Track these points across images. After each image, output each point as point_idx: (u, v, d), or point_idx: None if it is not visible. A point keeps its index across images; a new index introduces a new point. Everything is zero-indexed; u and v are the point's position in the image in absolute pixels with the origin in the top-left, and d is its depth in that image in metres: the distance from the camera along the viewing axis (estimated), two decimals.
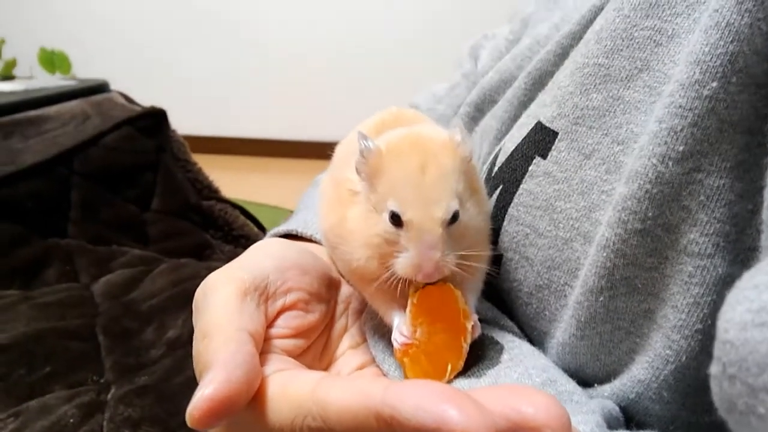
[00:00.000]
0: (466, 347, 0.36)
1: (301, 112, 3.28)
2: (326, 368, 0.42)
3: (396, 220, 0.35)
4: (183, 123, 1.57)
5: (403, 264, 0.35)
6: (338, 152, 0.47)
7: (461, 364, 0.36)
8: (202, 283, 0.36)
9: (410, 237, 0.35)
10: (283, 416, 0.29)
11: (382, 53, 3.20)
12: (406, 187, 0.35)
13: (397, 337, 0.37)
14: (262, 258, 0.39)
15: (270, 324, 0.37)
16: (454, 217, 0.36)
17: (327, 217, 0.42)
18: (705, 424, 0.35)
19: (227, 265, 0.38)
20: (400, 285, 0.36)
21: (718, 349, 0.23)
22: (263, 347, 0.35)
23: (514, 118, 0.53)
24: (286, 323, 0.37)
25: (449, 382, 0.36)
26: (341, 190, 0.40)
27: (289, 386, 0.30)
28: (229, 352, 0.30)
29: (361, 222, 0.37)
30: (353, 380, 0.29)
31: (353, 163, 0.38)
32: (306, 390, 0.29)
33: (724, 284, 0.32)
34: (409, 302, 0.37)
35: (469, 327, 0.36)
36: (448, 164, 0.36)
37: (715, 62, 0.31)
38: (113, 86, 1.58)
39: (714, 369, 0.24)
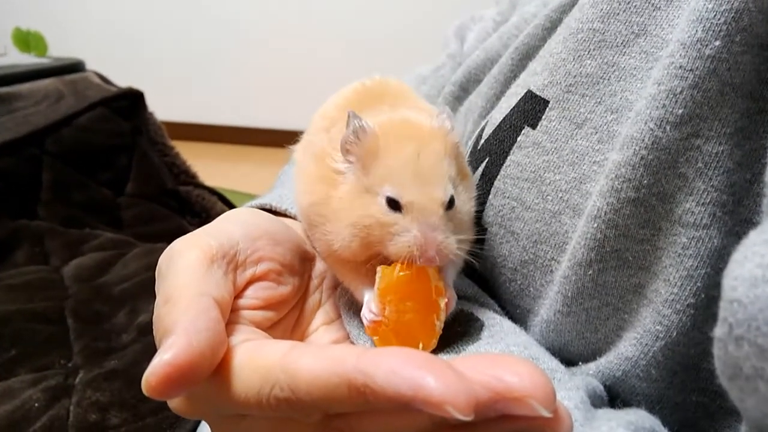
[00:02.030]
0: (439, 325, 0.34)
1: (285, 100, 3.24)
2: None
3: (392, 204, 0.34)
4: (162, 108, 1.54)
5: (403, 243, 0.33)
6: (315, 121, 0.45)
7: (434, 342, 0.34)
8: (167, 249, 0.34)
9: (412, 218, 0.33)
10: (249, 387, 0.27)
11: (367, 41, 3.17)
12: (402, 172, 0.34)
13: (366, 314, 0.35)
14: (231, 225, 0.37)
15: (239, 294, 0.35)
16: (451, 202, 0.35)
17: (308, 194, 0.39)
18: (692, 403, 0.33)
19: (194, 231, 0.35)
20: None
21: (724, 309, 0.22)
22: (231, 317, 0.33)
23: (500, 94, 0.51)
24: (255, 294, 0.35)
25: None
26: (323, 166, 0.38)
27: (257, 355, 0.28)
28: (192, 316, 0.28)
29: (350, 202, 0.35)
30: (327, 348, 0.27)
31: (336, 139, 0.36)
32: (275, 358, 0.27)
33: (719, 257, 0.31)
34: (377, 278, 0.35)
35: (443, 304, 0.34)
36: (441, 150, 0.36)
37: (719, 19, 0.30)
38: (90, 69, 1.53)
39: (719, 331, 0.22)
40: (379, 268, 0.35)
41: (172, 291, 0.30)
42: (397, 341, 0.34)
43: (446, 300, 0.35)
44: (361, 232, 0.35)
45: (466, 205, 0.37)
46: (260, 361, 0.28)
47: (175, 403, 0.32)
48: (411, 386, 0.21)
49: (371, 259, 0.35)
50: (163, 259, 0.34)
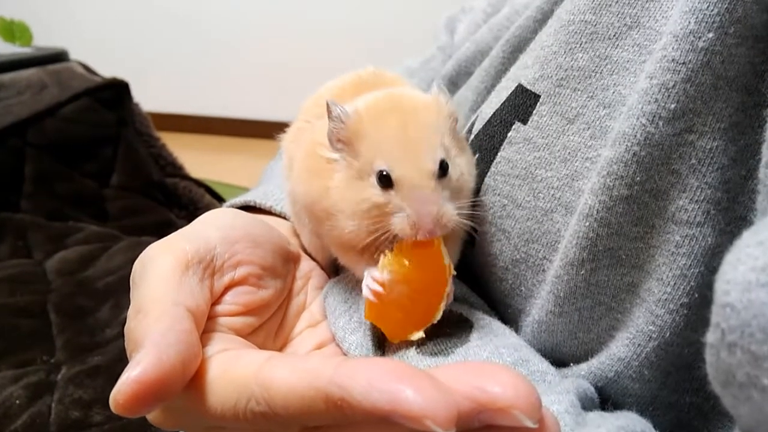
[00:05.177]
0: (443, 305, 0.34)
1: (274, 92, 3.21)
2: (282, 348, 0.39)
3: (384, 181, 0.33)
4: (147, 99, 1.52)
5: (400, 224, 0.33)
6: (306, 109, 0.44)
7: (437, 316, 0.34)
8: (141, 255, 0.33)
9: (403, 195, 0.33)
10: (225, 400, 0.26)
11: (358, 32, 3.15)
12: (390, 145, 0.34)
13: (369, 283, 0.35)
14: (208, 228, 0.35)
15: (217, 300, 0.33)
16: (443, 169, 0.34)
17: (308, 191, 0.38)
18: (686, 404, 0.33)
19: (169, 236, 0.34)
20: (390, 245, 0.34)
21: (716, 314, 0.21)
22: (207, 325, 0.32)
23: (491, 88, 0.50)
24: (234, 299, 0.34)
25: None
26: (314, 159, 0.37)
27: (232, 367, 0.27)
28: (163, 329, 0.27)
29: (346, 191, 0.35)
30: (303, 359, 0.26)
31: (323, 130, 0.36)
32: (250, 371, 0.26)
33: (712, 255, 0.30)
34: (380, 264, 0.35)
35: (449, 285, 0.34)
36: (431, 120, 0.35)
37: (712, 10, 0.29)
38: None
39: (711, 336, 0.21)
40: (383, 258, 0.35)
41: (143, 301, 0.29)
42: (392, 318, 0.34)
43: (451, 282, 0.35)
44: (363, 218, 0.34)
45: (465, 176, 0.37)
46: (235, 373, 0.27)
47: (152, 416, 0.31)
48: (389, 400, 0.21)
49: (380, 243, 0.35)
50: (136, 266, 0.33)
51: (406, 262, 0.34)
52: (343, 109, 0.35)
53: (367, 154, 0.34)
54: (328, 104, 0.35)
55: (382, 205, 0.34)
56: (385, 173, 0.33)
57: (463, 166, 0.36)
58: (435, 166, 0.34)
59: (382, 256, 0.35)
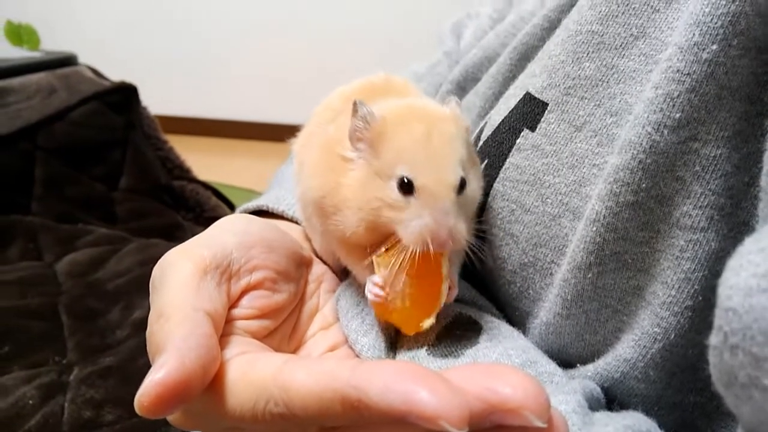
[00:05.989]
0: (441, 299, 0.35)
1: (280, 94, 3.22)
2: (295, 350, 0.40)
3: (405, 187, 0.34)
4: (155, 102, 1.53)
5: (415, 229, 0.33)
6: (318, 113, 0.45)
7: (438, 307, 0.35)
8: (160, 260, 0.34)
9: (423, 203, 0.34)
10: (243, 402, 0.27)
11: (362, 35, 3.16)
12: (415, 153, 0.34)
13: (370, 288, 0.36)
14: (224, 234, 0.37)
15: (234, 304, 0.35)
16: (462, 185, 0.35)
17: (320, 184, 0.39)
18: (690, 404, 0.34)
19: (187, 242, 0.35)
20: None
21: (719, 318, 0.22)
22: (225, 329, 0.33)
23: (498, 94, 0.51)
24: (250, 303, 0.35)
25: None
26: (330, 155, 0.38)
27: (251, 370, 0.28)
28: (184, 333, 0.28)
29: (360, 188, 0.36)
30: (320, 362, 0.27)
31: (343, 127, 0.37)
32: (268, 373, 0.27)
33: (716, 259, 0.31)
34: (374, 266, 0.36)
35: (445, 284, 0.35)
36: (452, 131, 0.36)
37: (716, 23, 0.30)
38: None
39: (714, 339, 0.22)
40: (374, 258, 0.35)
41: (164, 306, 0.30)
42: (400, 310, 0.35)
43: (448, 283, 0.36)
44: (369, 215, 0.35)
45: (474, 191, 0.37)
46: (254, 375, 0.28)
47: (172, 417, 0.32)
48: (404, 401, 0.22)
49: (378, 244, 0.35)
50: (156, 272, 0.34)
51: (397, 252, 0.35)
52: (369, 109, 0.35)
53: (388, 158, 0.35)
54: (355, 103, 0.35)
55: (398, 210, 0.34)
56: (407, 180, 0.34)
57: (474, 183, 0.37)
58: (457, 180, 0.34)
59: (374, 257, 0.36)
